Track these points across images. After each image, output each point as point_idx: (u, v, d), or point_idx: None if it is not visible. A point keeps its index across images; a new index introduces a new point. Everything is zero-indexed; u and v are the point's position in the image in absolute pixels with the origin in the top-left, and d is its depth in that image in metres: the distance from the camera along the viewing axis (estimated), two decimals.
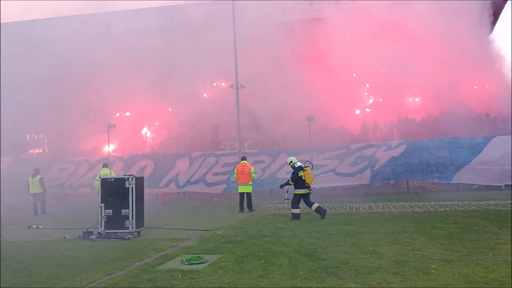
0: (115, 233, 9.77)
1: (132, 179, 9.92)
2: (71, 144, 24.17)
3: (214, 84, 27.44)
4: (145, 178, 11.14)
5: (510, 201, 13.11)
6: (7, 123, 22.84)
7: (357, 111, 24.86)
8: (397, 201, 15.23)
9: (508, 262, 6.04)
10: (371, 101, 25.30)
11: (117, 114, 25.24)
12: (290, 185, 12.08)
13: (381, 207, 13.87)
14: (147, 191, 11.67)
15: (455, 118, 19.69)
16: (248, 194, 14.63)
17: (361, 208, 13.75)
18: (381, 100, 24.46)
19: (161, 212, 15.06)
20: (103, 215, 9.89)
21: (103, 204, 9.92)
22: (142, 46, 23.74)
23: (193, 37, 23.31)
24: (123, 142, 24.95)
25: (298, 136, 20.86)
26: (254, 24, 21.99)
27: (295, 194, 11.86)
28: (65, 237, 9.97)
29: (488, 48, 23.15)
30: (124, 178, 10.03)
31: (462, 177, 17.58)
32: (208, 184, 20.03)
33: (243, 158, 15.44)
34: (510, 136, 17.10)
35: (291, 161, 12.24)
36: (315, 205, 11.66)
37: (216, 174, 20.06)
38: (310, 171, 11.88)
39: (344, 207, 14.32)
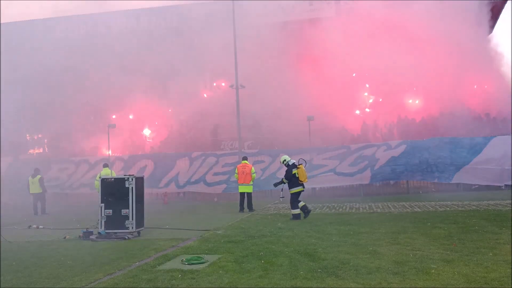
0: (115, 233, 9.76)
1: (132, 179, 9.92)
2: (71, 144, 24.18)
3: (214, 84, 27.43)
4: (145, 178, 11.14)
5: (510, 201, 13.11)
6: (7, 123, 22.85)
7: (357, 111, 24.86)
8: (397, 201, 15.23)
9: (508, 262, 6.04)
10: (371, 101, 25.30)
11: (113, 117, 25.18)
12: (284, 183, 12.14)
13: (381, 207, 13.87)
14: (147, 191, 11.68)
15: (455, 118, 19.70)
16: (249, 194, 14.62)
17: (361, 208, 13.75)
18: (381, 100, 24.47)
19: (161, 212, 15.05)
20: (103, 215, 9.88)
21: (103, 204, 9.91)
22: (142, 46, 23.74)
23: (193, 37, 23.30)
24: (123, 142, 24.96)
25: (298, 136, 20.86)
26: (254, 24, 22.00)
27: (292, 194, 11.88)
28: (65, 237, 9.96)
29: (488, 48, 23.17)
30: (124, 178, 10.02)
31: (462, 177, 17.58)
32: (208, 184, 20.04)
33: (244, 158, 15.44)
34: (510, 136, 17.10)
35: (285, 160, 12.31)
36: (302, 203, 11.75)
37: (216, 174, 20.06)
38: (303, 168, 11.91)
39: (344, 207, 14.32)
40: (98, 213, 10.00)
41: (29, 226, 12.34)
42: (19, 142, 25.40)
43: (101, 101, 24.50)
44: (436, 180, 18.10)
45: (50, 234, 10.67)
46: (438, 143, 18.13)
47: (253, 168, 14.94)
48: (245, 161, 15.09)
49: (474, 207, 12.58)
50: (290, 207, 12.02)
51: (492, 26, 24.12)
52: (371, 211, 12.98)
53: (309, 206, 12.23)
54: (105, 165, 17.16)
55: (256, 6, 23.23)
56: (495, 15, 24.01)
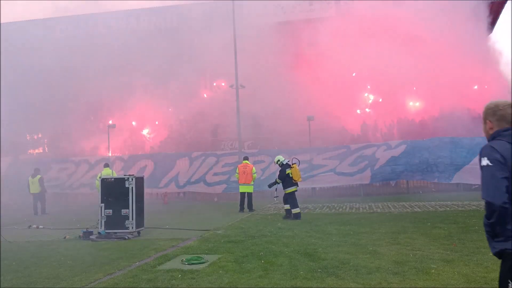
0: (115, 233, 9.76)
1: (132, 179, 9.92)
2: (71, 144, 24.18)
3: (214, 84, 27.44)
4: (145, 178, 11.15)
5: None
6: (7, 123, 22.84)
7: (357, 111, 24.85)
8: (397, 201, 15.23)
9: None
10: (371, 101, 25.29)
11: (110, 121, 25.16)
12: (278, 183, 12.18)
13: (381, 207, 13.87)
14: (147, 191, 11.69)
15: (455, 118, 19.69)
16: (249, 194, 14.62)
17: (361, 208, 13.75)
18: (381, 100, 24.46)
19: (161, 212, 15.05)
20: (103, 215, 9.88)
21: (103, 204, 9.91)
22: (142, 46, 23.74)
23: (193, 37, 23.31)
24: (123, 142, 24.96)
25: (298, 136, 20.88)
26: (254, 24, 21.99)
27: (287, 194, 11.88)
28: (65, 237, 9.96)
29: (488, 47, 23.16)
30: (124, 178, 10.02)
31: (462, 177, 17.56)
32: (208, 184, 20.04)
33: (245, 158, 15.42)
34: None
35: (279, 160, 12.38)
36: (287, 206, 11.77)
37: (216, 174, 20.07)
38: (297, 168, 11.92)
39: (344, 207, 14.32)
40: (98, 213, 10.00)
41: (29, 226, 12.34)
42: (19, 142, 25.42)
43: (101, 101, 24.50)
44: (436, 180, 18.10)
45: (50, 234, 10.66)
46: (438, 143, 18.13)
47: (254, 168, 14.94)
48: (246, 161, 15.08)
49: (474, 207, 12.57)
50: (286, 207, 12.00)
51: (492, 26, 24.13)
52: (371, 211, 12.98)
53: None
54: (106, 165, 17.13)
55: (256, 6, 23.24)
56: (495, 15, 24.01)
